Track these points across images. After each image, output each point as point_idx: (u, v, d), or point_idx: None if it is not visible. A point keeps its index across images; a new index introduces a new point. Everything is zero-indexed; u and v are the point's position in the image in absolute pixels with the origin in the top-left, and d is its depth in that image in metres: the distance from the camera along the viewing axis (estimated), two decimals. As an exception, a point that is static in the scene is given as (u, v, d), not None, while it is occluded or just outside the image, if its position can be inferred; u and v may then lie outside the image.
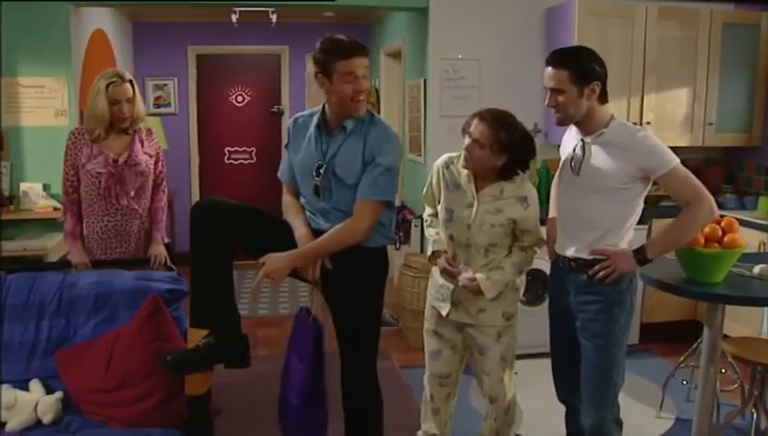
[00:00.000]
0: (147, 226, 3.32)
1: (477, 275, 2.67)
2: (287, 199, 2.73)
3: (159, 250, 3.28)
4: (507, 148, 2.56)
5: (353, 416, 2.72)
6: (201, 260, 2.48)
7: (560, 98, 2.46)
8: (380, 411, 2.74)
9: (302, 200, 2.69)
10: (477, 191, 2.66)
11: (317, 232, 2.55)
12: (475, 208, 2.65)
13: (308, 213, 2.66)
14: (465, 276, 2.68)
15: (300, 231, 2.55)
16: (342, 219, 2.52)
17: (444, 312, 2.79)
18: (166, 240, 3.37)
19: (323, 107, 2.61)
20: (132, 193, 3.19)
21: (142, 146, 3.22)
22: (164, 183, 3.39)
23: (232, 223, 2.48)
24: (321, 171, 2.54)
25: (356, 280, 2.58)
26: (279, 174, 2.78)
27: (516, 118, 2.62)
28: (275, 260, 2.41)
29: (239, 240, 2.50)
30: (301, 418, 2.59)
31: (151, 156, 3.27)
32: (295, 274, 2.53)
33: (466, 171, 2.68)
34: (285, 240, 2.51)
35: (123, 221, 3.19)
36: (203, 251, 2.47)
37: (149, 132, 3.29)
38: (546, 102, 2.52)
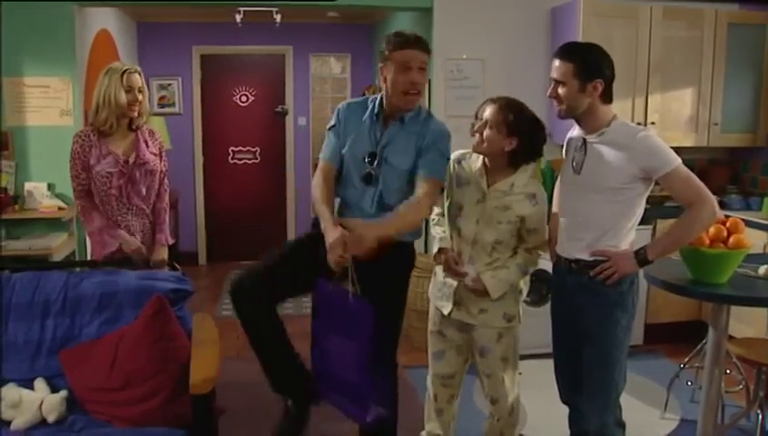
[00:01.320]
0: (151, 225, 3.32)
1: (482, 275, 2.67)
2: (319, 180, 2.68)
3: (162, 254, 3.26)
4: (515, 131, 2.58)
5: None
6: (254, 336, 2.64)
7: (561, 90, 2.48)
8: (396, 406, 2.84)
9: (344, 191, 2.70)
10: (489, 186, 2.68)
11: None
12: (484, 203, 2.67)
13: (339, 206, 2.70)
14: (470, 276, 2.69)
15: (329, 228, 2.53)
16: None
17: (446, 311, 2.80)
18: (170, 241, 3.37)
19: (381, 97, 2.66)
20: (144, 193, 3.20)
21: (147, 146, 3.23)
22: (166, 181, 3.39)
23: (269, 291, 2.58)
24: (375, 159, 2.59)
25: (391, 273, 2.64)
26: (321, 154, 2.75)
27: (525, 105, 2.66)
28: (358, 239, 2.39)
29: (280, 296, 2.63)
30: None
31: (156, 155, 3.27)
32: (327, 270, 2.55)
33: (478, 165, 2.71)
34: (317, 267, 2.53)
35: (132, 220, 3.19)
36: (252, 329, 2.63)
37: (151, 132, 3.30)
38: (548, 92, 2.53)
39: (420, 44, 2.56)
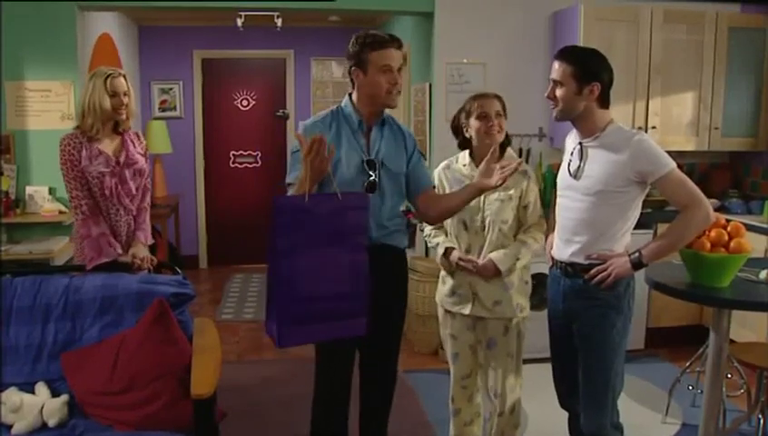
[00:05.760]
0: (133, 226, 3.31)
1: (489, 254, 2.83)
2: None
3: (141, 252, 3.21)
4: (505, 114, 2.88)
5: (372, 401, 2.88)
6: None
7: (559, 91, 2.50)
8: (391, 402, 2.91)
9: None
10: None
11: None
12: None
13: None
14: (479, 263, 2.84)
15: None
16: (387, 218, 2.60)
17: (467, 311, 2.91)
18: (150, 241, 3.35)
19: (352, 105, 2.59)
20: (133, 192, 3.21)
21: (135, 147, 3.25)
22: (149, 182, 3.40)
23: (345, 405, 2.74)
24: (374, 167, 2.56)
25: (395, 279, 2.74)
26: (289, 179, 2.56)
27: None
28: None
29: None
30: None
31: (142, 156, 3.29)
32: None
33: (466, 162, 2.92)
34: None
35: (119, 221, 3.19)
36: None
37: (137, 135, 3.33)
38: (546, 93, 2.56)
39: (397, 42, 2.51)
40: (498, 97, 2.88)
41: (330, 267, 2.33)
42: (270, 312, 2.36)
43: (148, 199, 3.40)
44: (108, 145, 3.16)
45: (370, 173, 2.55)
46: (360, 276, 2.36)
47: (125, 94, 3.14)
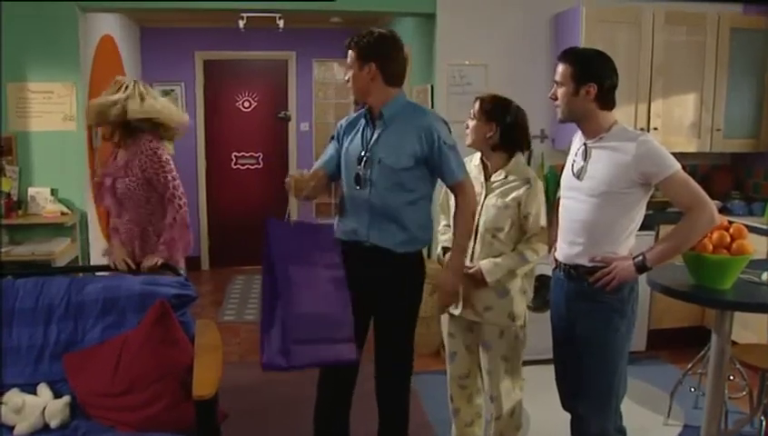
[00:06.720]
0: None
1: (481, 261, 2.80)
2: None
3: (149, 260, 3.20)
4: (492, 118, 2.81)
5: (386, 408, 2.92)
6: None
7: (559, 91, 2.52)
8: (408, 408, 2.96)
9: (344, 196, 2.80)
10: (486, 179, 2.86)
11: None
12: (484, 193, 2.84)
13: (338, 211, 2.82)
14: (471, 269, 2.82)
15: None
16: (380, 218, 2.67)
17: (456, 312, 2.90)
18: (162, 258, 3.27)
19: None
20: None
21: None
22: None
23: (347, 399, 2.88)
24: (363, 160, 2.67)
25: (408, 281, 2.79)
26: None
27: (506, 98, 2.89)
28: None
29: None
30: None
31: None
32: None
33: (476, 163, 2.92)
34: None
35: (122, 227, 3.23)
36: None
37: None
38: (550, 93, 2.58)
39: (348, 43, 2.74)
40: (482, 99, 2.88)
41: (310, 294, 2.49)
42: (261, 339, 2.49)
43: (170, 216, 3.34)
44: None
45: (358, 166, 2.69)
46: (341, 304, 2.50)
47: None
